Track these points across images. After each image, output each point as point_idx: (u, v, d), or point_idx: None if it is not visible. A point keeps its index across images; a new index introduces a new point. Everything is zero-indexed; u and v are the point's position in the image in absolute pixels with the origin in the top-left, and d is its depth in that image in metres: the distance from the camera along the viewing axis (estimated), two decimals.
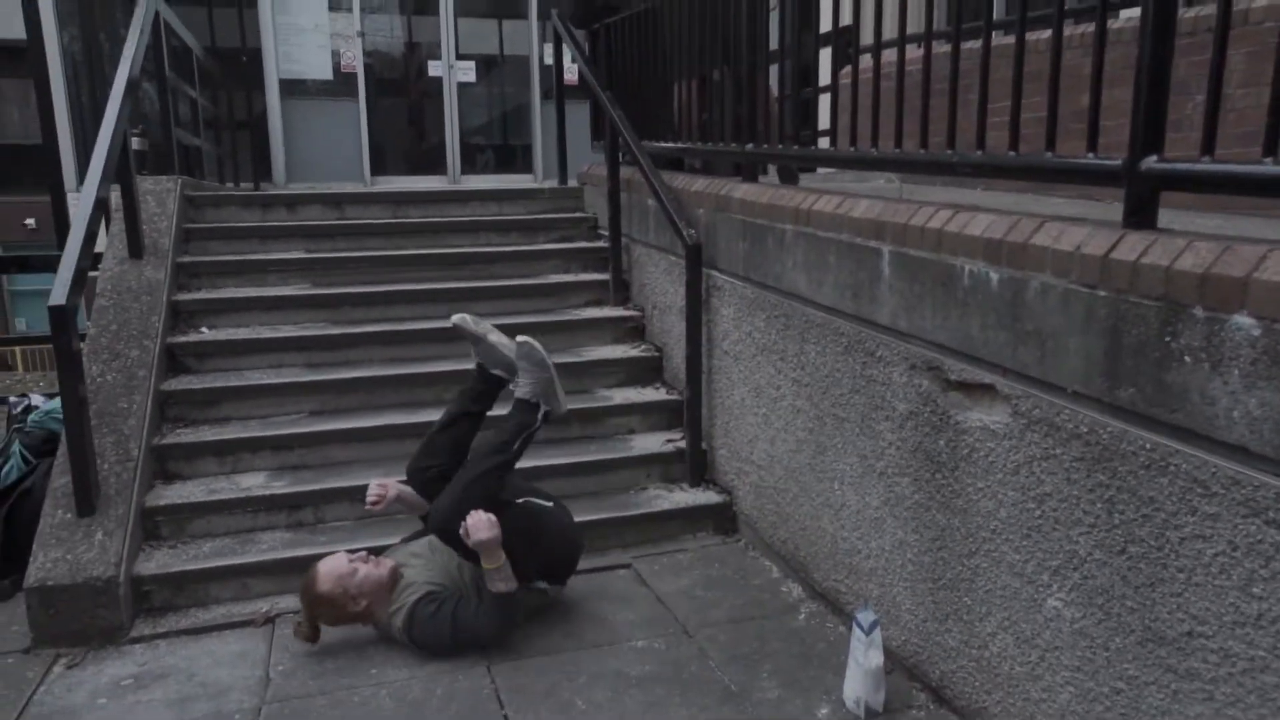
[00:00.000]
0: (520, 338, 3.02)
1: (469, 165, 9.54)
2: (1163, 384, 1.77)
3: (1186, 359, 1.72)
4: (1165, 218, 1.98)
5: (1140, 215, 1.95)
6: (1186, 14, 3.46)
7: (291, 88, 8.86)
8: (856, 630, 2.47)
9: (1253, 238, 1.75)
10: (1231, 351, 1.63)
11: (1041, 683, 2.14)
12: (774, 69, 3.71)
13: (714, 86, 3.97)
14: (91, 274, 3.62)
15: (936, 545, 2.47)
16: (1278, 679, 1.58)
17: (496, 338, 3.10)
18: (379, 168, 9.18)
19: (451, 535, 2.83)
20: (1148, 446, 1.80)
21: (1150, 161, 1.89)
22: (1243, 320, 1.60)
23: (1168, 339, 1.75)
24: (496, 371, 3.11)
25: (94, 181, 3.46)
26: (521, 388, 3.04)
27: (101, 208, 3.49)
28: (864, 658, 2.45)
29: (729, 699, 2.60)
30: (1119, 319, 1.86)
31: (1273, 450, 1.56)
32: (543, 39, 9.34)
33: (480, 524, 2.75)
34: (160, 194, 4.53)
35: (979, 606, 2.33)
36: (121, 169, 3.93)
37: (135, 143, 4.52)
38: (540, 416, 3.01)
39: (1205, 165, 1.79)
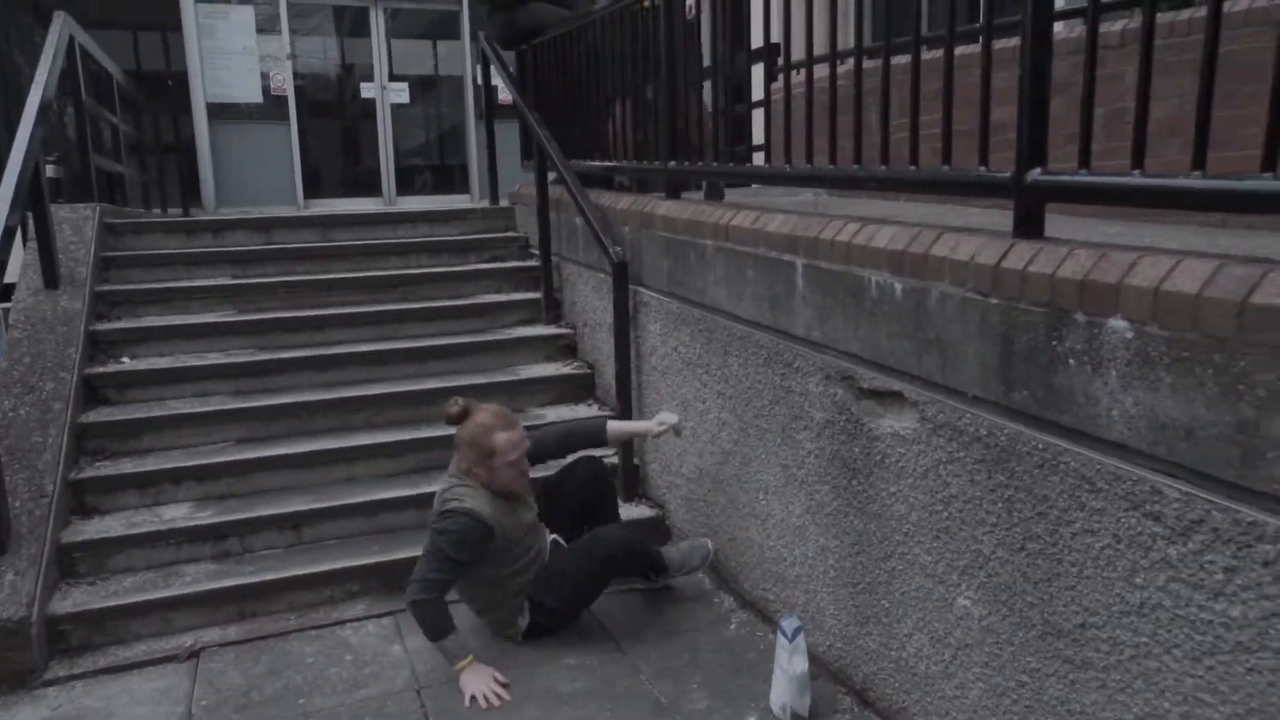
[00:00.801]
0: (711, 545, 3.32)
1: (405, 187, 9.49)
2: (1051, 386, 1.85)
3: (1071, 362, 1.80)
4: (1069, 227, 2.07)
5: (1028, 225, 2.04)
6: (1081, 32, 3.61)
7: (220, 111, 8.72)
8: (780, 638, 2.51)
9: (1128, 245, 1.84)
10: (1109, 354, 1.71)
11: (955, 680, 2.20)
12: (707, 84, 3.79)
13: (636, 105, 4.02)
14: (4, 305, 3.53)
15: (855, 550, 2.52)
16: (1159, 663, 1.66)
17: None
18: (313, 190, 9.09)
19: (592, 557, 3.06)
20: (1040, 446, 1.88)
21: (1035, 174, 1.98)
22: (1117, 324, 1.69)
23: (1054, 343, 1.83)
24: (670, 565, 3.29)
25: (2, 210, 3.37)
26: (673, 553, 3.29)
27: (10, 236, 3.40)
28: (789, 664, 2.48)
29: (659, 712, 2.62)
30: (1010, 325, 1.94)
31: (1147, 445, 1.65)
32: (475, 60, 9.34)
33: None
34: (77, 222, 4.43)
35: (896, 608, 2.39)
36: (34, 197, 3.83)
37: (49, 170, 4.42)
38: (660, 578, 3.32)
39: (1082, 177, 1.88)
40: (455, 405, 2.95)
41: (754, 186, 5.15)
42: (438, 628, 2.80)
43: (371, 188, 9.34)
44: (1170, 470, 1.62)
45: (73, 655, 3.00)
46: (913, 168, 2.40)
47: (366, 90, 9.27)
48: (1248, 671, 1.51)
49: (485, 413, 2.94)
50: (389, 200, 9.30)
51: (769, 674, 2.66)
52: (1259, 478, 1.47)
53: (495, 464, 2.87)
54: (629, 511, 3.79)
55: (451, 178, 9.78)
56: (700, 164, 3.52)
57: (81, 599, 3.10)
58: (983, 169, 2.17)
